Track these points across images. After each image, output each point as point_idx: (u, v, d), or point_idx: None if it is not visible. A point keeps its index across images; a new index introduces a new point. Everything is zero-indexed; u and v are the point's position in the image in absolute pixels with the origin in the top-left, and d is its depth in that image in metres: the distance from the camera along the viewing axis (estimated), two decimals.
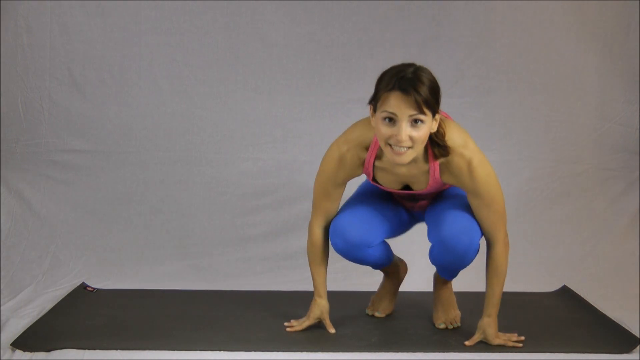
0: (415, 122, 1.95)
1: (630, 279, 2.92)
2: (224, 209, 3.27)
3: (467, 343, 2.20)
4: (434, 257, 2.25)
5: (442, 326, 2.35)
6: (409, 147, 1.98)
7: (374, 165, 2.17)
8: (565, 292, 2.74)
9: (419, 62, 3.32)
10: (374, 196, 2.36)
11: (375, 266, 2.40)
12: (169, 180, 3.28)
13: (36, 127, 3.25)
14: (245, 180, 3.30)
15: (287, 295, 2.65)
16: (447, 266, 2.28)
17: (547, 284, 2.83)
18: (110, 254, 3.08)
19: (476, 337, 2.21)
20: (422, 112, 1.94)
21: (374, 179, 2.22)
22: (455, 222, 2.16)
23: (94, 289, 2.75)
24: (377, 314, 2.45)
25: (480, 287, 2.78)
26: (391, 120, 1.96)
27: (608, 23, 3.31)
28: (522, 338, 2.21)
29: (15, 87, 3.23)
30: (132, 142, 3.28)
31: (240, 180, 3.29)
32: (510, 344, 2.19)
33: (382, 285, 2.51)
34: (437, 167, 2.11)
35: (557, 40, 3.32)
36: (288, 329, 2.27)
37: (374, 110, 2.02)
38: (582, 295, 2.67)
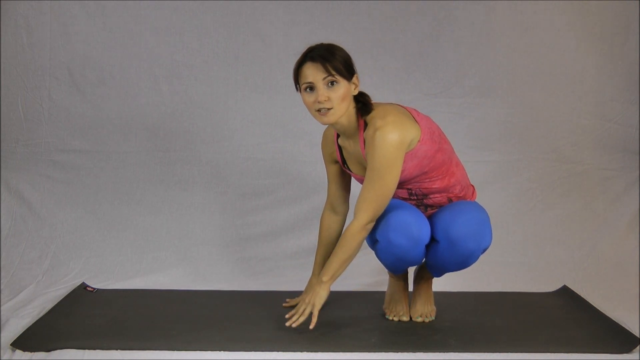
0: (331, 84, 2.14)
1: (630, 279, 2.92)
2: (224, 209, 3.27)
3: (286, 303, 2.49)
4: (435, 254, 2.25)
5: (420, 319, 2.37)
6: (330, 108, 2.14)
7: (340, 146, 2.33)
8: (565, 292, 2.73)
9: (417, 64, 3.35)
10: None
11: (409, 266, 2.35)
12: (169, 180, 3.28)
13: (36, 127, 3.25)
14: (245, 180, 3.29)
15: (287, 295, 2.64)
16: (444, 265, 2.28)
17: (547, 284, 2.83)
18: (110, 254, 3.08)
19: (303, 298, 2.32)
20: (332, 74, 2.12)
21: (345, 164, 2.33)
22: (467, 224, 2.18)
23: (94, 289, 2.75)
24: (404, 319, 2.39)
25: (479, 287, 2.80)
26: (311, 89, 2.16)
27: (608, 23, 3.31)
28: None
29: (15, 87, 3.23)
30: (132, 142, 3.28)
31: (240, 180, 3.29)
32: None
33: (397, 288, 2.44)
34: (363, 139, 2.22)
35: (557, 40, 3.32)
36: (294, 325, 2.21)
37: (300, 91, 2.21)
38: (582, 295, 2.67)
